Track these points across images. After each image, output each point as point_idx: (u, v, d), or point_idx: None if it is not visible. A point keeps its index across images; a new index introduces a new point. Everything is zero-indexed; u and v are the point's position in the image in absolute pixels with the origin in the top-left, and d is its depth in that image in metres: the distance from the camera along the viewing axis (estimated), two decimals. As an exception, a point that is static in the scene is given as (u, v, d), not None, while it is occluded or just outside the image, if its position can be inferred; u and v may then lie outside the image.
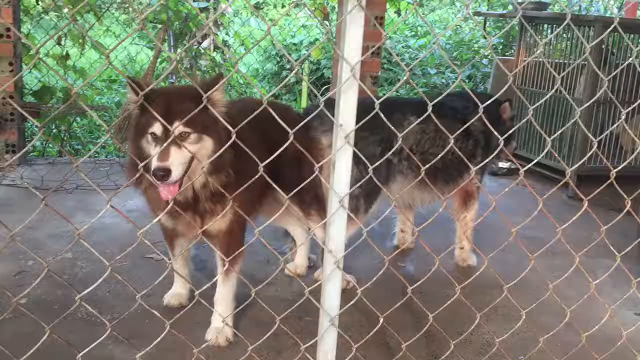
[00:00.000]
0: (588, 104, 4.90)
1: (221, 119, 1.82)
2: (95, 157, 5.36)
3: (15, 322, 2.54)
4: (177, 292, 2.84)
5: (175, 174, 2.02)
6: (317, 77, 8.28)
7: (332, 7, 7.71)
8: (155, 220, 1.79)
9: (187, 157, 2.08)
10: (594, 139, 2.03)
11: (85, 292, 1.59)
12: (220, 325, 2.53)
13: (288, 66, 8.73)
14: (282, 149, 1.66)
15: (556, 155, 3.04)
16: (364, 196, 3.04)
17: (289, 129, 1.51)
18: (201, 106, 1.80)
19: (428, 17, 9.54)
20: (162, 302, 2.81)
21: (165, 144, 1.98)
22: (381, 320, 1.84)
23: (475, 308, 2.11)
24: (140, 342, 2.42)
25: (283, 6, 10.54)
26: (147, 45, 6.98)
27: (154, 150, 2.10)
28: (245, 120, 1.55)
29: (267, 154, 1.68)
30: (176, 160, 2.03)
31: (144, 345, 2.04)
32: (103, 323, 2.49)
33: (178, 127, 2.02)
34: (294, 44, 9.18)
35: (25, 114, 1.37)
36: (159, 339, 1.73)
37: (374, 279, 1.96)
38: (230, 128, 1.59)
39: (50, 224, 3.62)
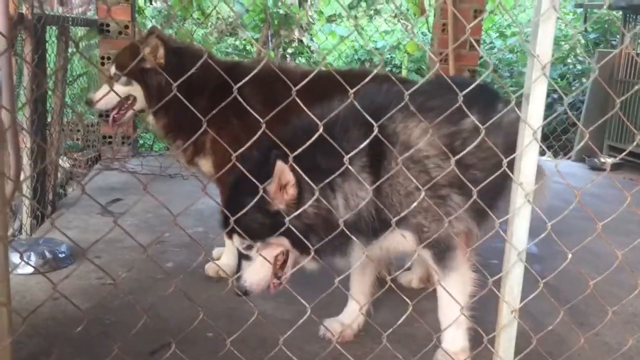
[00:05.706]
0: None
1: None
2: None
3: (166, 281, 2.70)
4: None
5: None
6: (417, 69, 8.41)
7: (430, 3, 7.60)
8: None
9: None
10: None
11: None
12: None
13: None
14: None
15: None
16: None
17: None
18: None
19: (519, 18, 9.29)
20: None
21: None
22: (541, 285, 1.76)
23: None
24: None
25: (356, 17, 10.64)
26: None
27: None
28: None
29: None
30: None
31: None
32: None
33: None
34: (376, 49, 9.23)
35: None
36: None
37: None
38: None
39: (177, 203, 3.76)
